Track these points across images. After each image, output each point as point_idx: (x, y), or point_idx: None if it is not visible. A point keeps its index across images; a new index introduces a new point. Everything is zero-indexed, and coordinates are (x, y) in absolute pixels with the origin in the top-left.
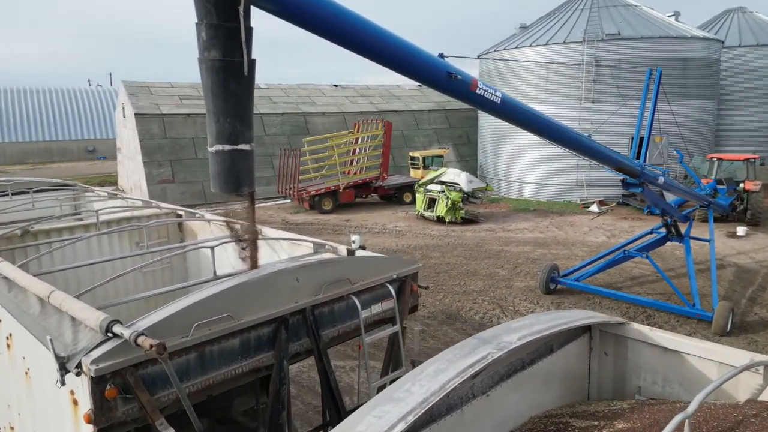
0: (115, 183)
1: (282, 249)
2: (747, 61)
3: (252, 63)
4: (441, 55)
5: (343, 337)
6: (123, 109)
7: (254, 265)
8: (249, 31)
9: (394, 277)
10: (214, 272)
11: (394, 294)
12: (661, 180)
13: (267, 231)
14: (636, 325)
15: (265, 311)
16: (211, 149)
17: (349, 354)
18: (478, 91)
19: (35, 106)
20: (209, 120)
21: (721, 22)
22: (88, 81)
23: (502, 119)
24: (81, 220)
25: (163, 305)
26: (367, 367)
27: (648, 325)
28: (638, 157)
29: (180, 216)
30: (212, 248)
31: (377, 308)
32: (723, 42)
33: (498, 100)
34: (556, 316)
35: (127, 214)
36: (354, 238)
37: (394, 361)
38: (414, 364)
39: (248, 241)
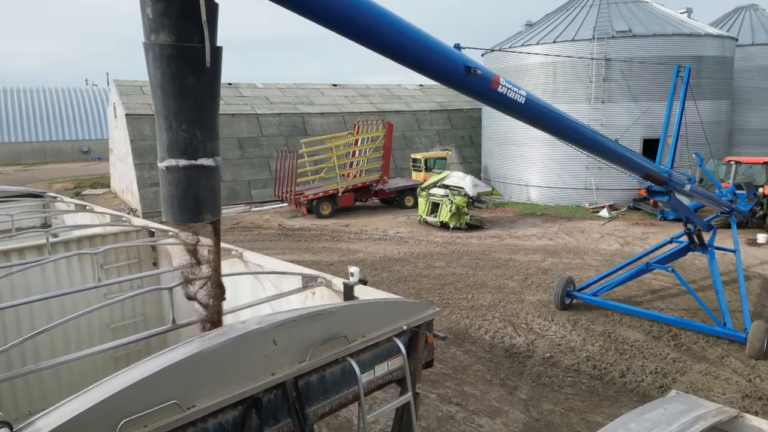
0: (108, 185)
1: (267, 280)
2: (760, 59)
3: (217, 51)
4: (457, 46)
5: (336, 409)
6: (114, 109)
7: (217, 321)
8: (213, 6)
9: (404, 328)
10: (173, 319)
11: (403, 350)
12: (688, 187)
13: (249, 256)
14: (753, 419)
15: (229, 391)
16: (162, 165)
17: None
18: (500, 90)
19: (28, 105)
20: (159, 126)
21: (732, 20)
22: (86, 80)
23: (524, 121)
24: (55, 236)
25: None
26: None
27: (675, 345)
28: (663, 162)
29: (152, 234)
30: (170, 290)
31: (382, 369)
32: (736, 40)
33: (522, 100)
34: (650, 420)
35: (92, 231)
36: (352, 270)
37: None
38: None
39: (211, 290)
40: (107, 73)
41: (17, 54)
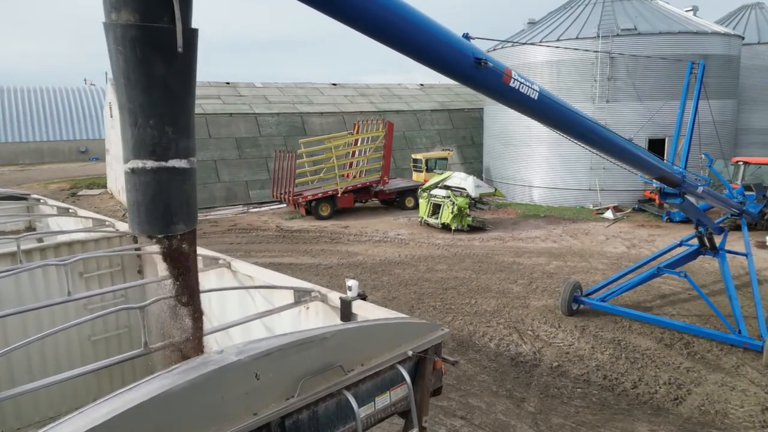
0: (104, 185)
1: (258, 292)
2: (766, 58)
3: (191, 33)
4: (466, 36)
5: None
6: (110, 108)
7: (196, 346)
8: None
9: (409, 354)
10: (144, 342)
11: (408, 379)
12: (701, 189)
13: (238, 266)
14: None
15: None
16: (126, 167)
17: None
18: (512, 84)
19: (26, 105)
20: (123, 121)
21: (737, 18)
22: (84, 80)
23: (536, 119)
24: (40, 240)
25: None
26: None
27: (688, 354)
28: (675, 163)
29: (135, 239)
30: (141, 308)
31: (383, 401)
32: (743, 38)
33: (535, 96)
34: None
35: (70, 238)
36: (350, 283)
37: None
38: None
39: (189, 313)
40: (106, 73)
41: (17, 54)
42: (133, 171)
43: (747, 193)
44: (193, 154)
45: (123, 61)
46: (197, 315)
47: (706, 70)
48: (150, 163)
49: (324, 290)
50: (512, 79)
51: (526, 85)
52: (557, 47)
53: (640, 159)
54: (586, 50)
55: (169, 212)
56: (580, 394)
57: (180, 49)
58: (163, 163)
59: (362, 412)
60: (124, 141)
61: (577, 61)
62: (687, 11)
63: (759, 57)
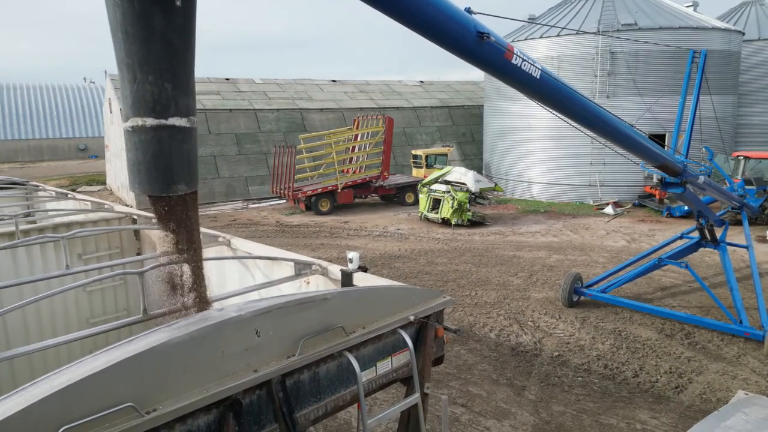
0: (104, 182)
1: (257, 268)
2: (766, 55)
3: None
4: (468, 10)
5: (331, 413)
6: (110, 104)
7: (203, 305)
8: None
9: (411, 318)
10: (144, 309)
11: (410, 344)
12: (701, 179)
13: (237, 243)
14: None
15: (201, 391)
16: (126, 125)
17: None
18: (514, 61)
19: (25, 102)
20: (122, 77)
21: (738, 15)
22: (84, 78)
23: (538, 100)
24: (32, 222)
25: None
26: None
27: (689, 344)
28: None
29: (134, 221)
30: (141, 274)
31: (385, 366)
32: (743, 34)
33: (537, 75)
34: (737, 430)
35: (69, 219)
36: (351, 255)
37: None
38: None
39: (189, 269)
40: (105, 71)
41: (18, 54)
42: (133, 129)
43: (747, 187)
44: (194, 113)
45: (121, 15)
46: (199, 281)
47: (707, 65)
48: (150, 121)
49: (325, 263)
50: (514, 56)
51: (528, 63)
52: (574, 30)
53: (642, 146)
54: (583, 33)
55: (170, 172)
56: (581, 383)
57: (178, 3)
58: (163, 121)
59: (364, 376)
60: (123, 99)
61: (578, 56)
62: (687, 7)
63: (759, 53)
